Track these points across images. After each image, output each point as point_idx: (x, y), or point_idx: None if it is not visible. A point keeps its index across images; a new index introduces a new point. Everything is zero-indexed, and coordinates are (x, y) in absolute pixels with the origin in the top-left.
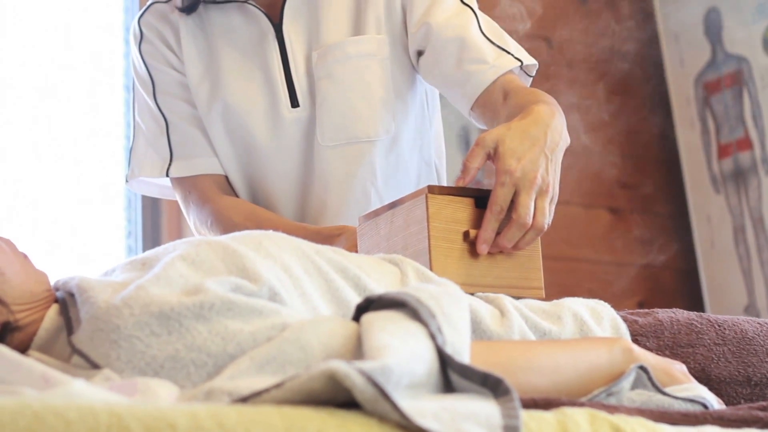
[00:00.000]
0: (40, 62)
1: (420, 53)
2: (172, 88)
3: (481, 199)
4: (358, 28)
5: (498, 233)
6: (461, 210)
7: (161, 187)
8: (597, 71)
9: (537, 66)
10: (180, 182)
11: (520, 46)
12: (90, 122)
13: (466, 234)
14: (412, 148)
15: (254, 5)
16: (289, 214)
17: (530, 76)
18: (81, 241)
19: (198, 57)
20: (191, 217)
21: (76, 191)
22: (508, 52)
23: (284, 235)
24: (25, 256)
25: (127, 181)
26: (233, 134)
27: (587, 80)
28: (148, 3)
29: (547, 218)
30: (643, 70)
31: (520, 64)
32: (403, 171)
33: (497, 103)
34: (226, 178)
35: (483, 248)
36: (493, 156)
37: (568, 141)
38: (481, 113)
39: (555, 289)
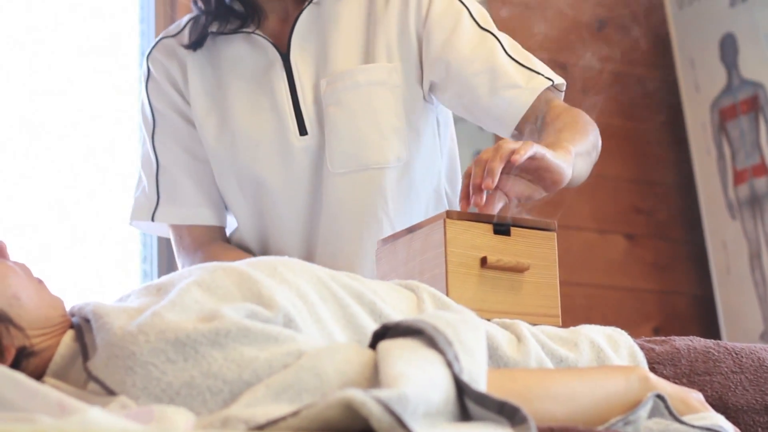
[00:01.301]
0: (55, 84)
1: (435, 84)
2: (170, 132)
3: (499, 225)
4: (367, 56)
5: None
6: (479, 236)
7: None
8: (612, 97)
9: (565, 83)
10: (174, 226)
11: (545, 65)
12: (106, 147)
13: (483, 260)
14: (424, 176)
15: (261, 35)
16: (298, 242)
17: (561, 92)
18: (96, 266)
19: (205, 90)
20: (181, 263)
21: (92, 215)
22: (538, 72)
23: (300, 261)
24: (41, 281)
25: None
26: (241, 165)
27: (602, 106)
28: (158, 37)
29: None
30: (658, 95)
31: (551, 83)
32: (414, 198)
33: (538, 123)
34: (221, 229)
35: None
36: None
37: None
38: (521, 136)
39: (570, 315)
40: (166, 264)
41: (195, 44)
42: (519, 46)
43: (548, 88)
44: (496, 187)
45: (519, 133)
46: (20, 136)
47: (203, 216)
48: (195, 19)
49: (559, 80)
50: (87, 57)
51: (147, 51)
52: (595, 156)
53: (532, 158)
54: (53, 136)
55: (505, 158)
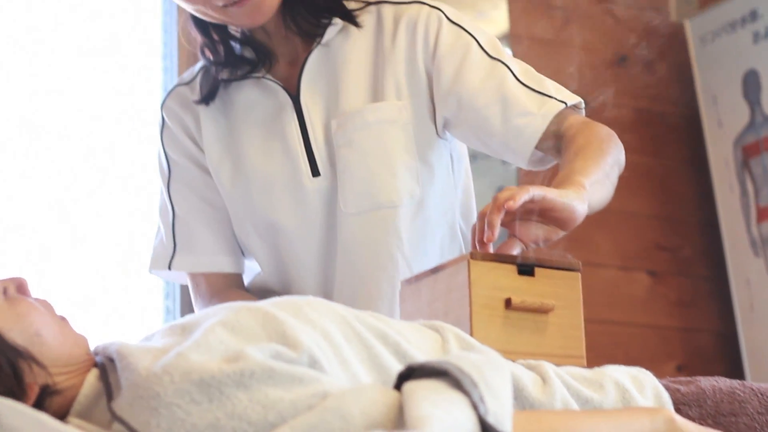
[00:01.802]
0: (55, 84)
1: (449, 119)
2: (186, 181)
3: (523, 266)
4: (376, 95)
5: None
6: (503, 276)
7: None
8: (634, 133)
9: (583, 102)
10: (191, 274)
11: (561, 87)
12: (106, 147)
13: (508, 301)
14: (438, 212)
15: (271, 79)
16: (316, 283)
17: (580, 109)
18: (119, 302)
19: (218, 137)
20: (198, 310)
21: (115, 252)
22: (550, 96)
23: (324, 301)
24: (64, 319)
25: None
26: (256, 209)
27: (625, 142)
28: (172, 86)
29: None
30: (681, 132)
31: (564, 106)
32: (429, 235)
33: (554, 148)
34: (238, 276)
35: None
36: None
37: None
38: (541, 162)
39: (593, 353)
40: (189, 300)
41: (206, 98)
42: (532, 71)
43: (567, 107)
44: (511, 235)
45: (543, 156)
46: (20, 136)
47: (219, 263)
48: (206, 70)
49: (573, 101)
50: (87, 57)
51: (162, 100)
52: (617, 172)
53: (532, 201)
54: (53, 136)
55: (502, 208)
